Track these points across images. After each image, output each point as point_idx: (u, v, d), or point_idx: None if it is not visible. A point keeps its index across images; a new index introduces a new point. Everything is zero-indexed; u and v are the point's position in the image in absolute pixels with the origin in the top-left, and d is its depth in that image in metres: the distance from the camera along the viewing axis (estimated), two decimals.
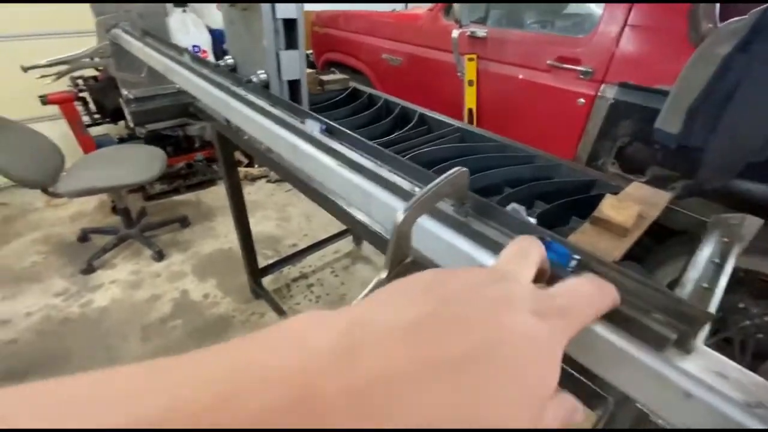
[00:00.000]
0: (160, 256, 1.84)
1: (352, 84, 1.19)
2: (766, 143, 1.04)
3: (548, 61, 1.50)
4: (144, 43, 0.99)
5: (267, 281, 1.71)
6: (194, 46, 2.53)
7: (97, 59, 1.03)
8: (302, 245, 2.01)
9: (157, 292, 1.67)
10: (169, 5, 2.53)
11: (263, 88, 0.73)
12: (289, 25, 0.69)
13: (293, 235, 2.10)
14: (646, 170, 1.35)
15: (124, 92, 1.13)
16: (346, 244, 2.01)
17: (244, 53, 0.81)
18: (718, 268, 0.66)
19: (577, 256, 0.33)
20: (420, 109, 0.95)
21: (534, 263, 0.22)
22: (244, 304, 1.63)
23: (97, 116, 2.26)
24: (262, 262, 1.65)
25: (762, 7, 1.02)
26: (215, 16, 2.68)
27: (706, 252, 0.69)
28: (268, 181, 2.61)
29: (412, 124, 0.92)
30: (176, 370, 0.13)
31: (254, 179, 2.61)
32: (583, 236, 0.61)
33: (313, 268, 1.87)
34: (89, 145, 2.13)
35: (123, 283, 1.71)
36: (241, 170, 2.57)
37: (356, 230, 0.71)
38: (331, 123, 0.56)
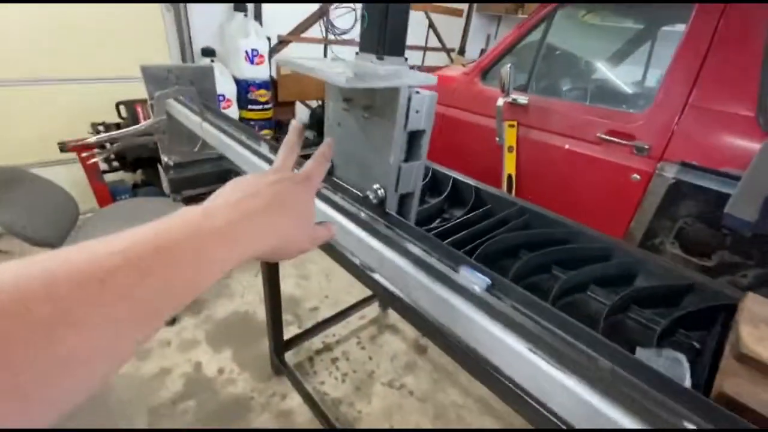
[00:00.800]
0: (171, 319, 1.69)
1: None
2: None
3: (598, 134, 1.46)
4: (206, 120, 0.92)
5: (289, 354, 1.56)
6: (219, 95, 2.53)
7: (147, 136, 0.95)
8: (323, 308, 1.88)
9: (166, 364, 1.50)
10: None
11: (380, 208, 0.65)
12: (414, 135, 0.61)
13: (314, 297, 1.96)
14: (713, 254, 1.26)
15: (165, 158, 1.05)
16: (371, 309, 1.88)
17: (347, 158, 0.72)
18: None
19: None
20: (473, 182, 0.87)
21: (294, 153, 0.45)
22: (263, 382, 1.47)
23: (115, 164, 2.19)
24: (284, 332, 1.51)
25: None
26: (243, 68, 2.70)
27: None
28: None
29: (470, 205, 0.84)
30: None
31: None
32: (741, 383, 0.50)
33: (337, 338, 1.72)
34: (104, 194, 2.03)
35: None
36: None
37: (382, 296, 0.61)
38: (496, 276, 0.46)
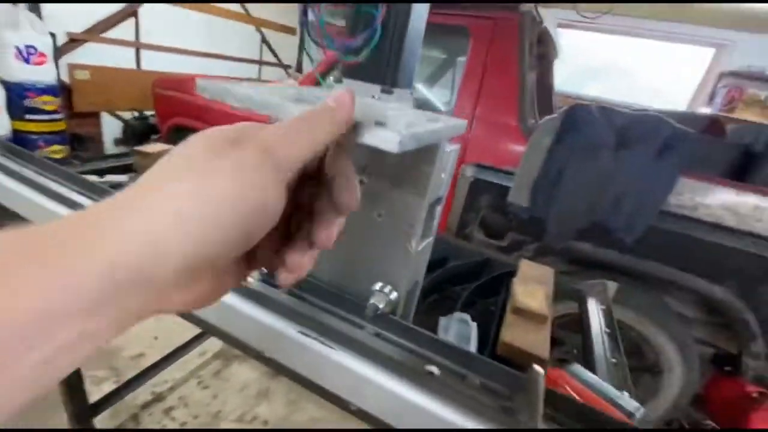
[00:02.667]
0: None
1: None
2: (588, 214, 1.32)
3: None
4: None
5: (102, 418, 1.24)
6: None
7: None
8: (151, 353, 1.58)
9: None
10: None
11: (394, 320, 0.46)
12: (431, 205, 0.45)
13: (138, 341, 1.63)
14: (506, 236, 1.57)
15: None
16: (213, 342, 1.67)
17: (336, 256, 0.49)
18: (611, 337, 0.76)
19: None
20: None
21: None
22: None
23: None
24: (94, 392, 1.20)
25: (564, 108, 1.36)
26: (14, 68, 2.11)
27: (595, 324, 0.79)
28: None
29: None
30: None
31: None
32: (515, 331, 0.62)
33: (171, 384, 1.46)
34: None
35: None
36: None
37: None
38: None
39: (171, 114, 2.35)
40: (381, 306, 0.42)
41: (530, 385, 0.35)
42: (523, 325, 0.65)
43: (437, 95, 2.39)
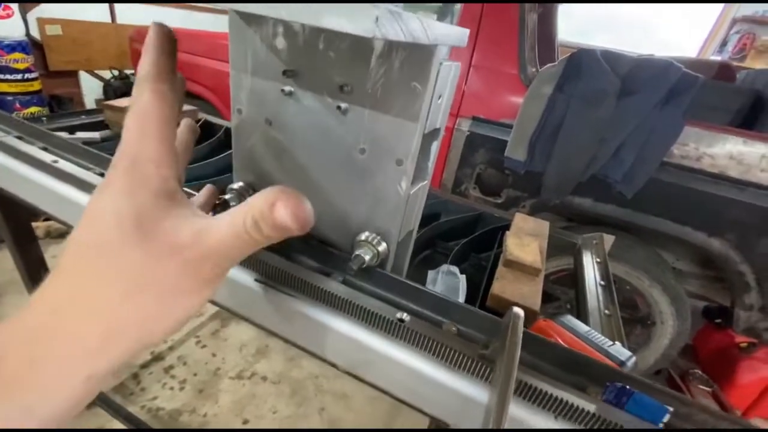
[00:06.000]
0: None
1: (203, 116, 1.00)
2: (588, 167, 1.28)
3: None
4: None
5: None
6: None
7: None
8: None
9: None
10: None
11: (382, 275, 0.41)
12: (426, 138, 0.39)
13: None
14: (502, 192, 1.53)
15: None
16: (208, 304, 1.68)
17: (296, 188, 0.39)
18: (606, 290, 0.74)
19: (670, 408, 0.26)
20: None
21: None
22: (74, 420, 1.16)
23: None
24: None
25: (567, 55, 1.27)
26: None
27: (590, 276, 0.77)
28: None
29: None
30: None
31: (62, 235, 1.97)
32: (506, 283, 0.59)
33: (170, 344, 1.48)
34: None
35: None
36: (40, 226, 1.91)
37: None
38: None
39: None
40: (367, 258, 0.38)
41: (509, 328, 0.33)
42: (514, 277, 0.63)
43: None
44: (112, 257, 0.19)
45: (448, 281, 0.53)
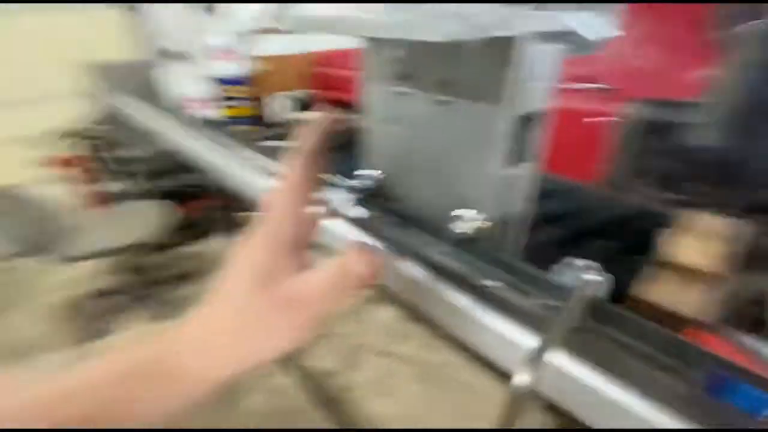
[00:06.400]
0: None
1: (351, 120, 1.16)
2: None
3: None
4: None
5: None
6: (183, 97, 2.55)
7: None
8: None
9: None
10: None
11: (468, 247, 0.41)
12: (525, 121, 0.40)
13: None
14: (684, 189, 1.25)
15: None
16: None
17: (409, 170, 0.48)
18: None
19: None
20: None
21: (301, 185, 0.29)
22: None
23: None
24: None
25: None
26: (211, 65, 2.71)
27: None
28: None
29: None
30: None
31: None
32: (662, 287, 0.51)
33: None
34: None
35: None
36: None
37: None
38: None
39: (325, 89, 2.63)
40: (459, 229, 0.40)
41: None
42: (674, 281, 0.54)
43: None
44: (241, 299, 0.26)
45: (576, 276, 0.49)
